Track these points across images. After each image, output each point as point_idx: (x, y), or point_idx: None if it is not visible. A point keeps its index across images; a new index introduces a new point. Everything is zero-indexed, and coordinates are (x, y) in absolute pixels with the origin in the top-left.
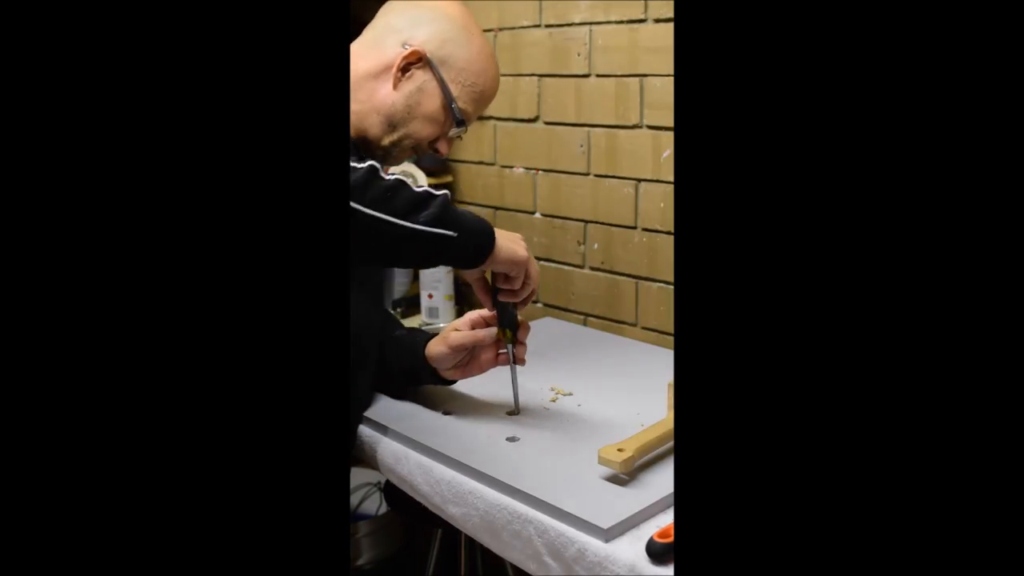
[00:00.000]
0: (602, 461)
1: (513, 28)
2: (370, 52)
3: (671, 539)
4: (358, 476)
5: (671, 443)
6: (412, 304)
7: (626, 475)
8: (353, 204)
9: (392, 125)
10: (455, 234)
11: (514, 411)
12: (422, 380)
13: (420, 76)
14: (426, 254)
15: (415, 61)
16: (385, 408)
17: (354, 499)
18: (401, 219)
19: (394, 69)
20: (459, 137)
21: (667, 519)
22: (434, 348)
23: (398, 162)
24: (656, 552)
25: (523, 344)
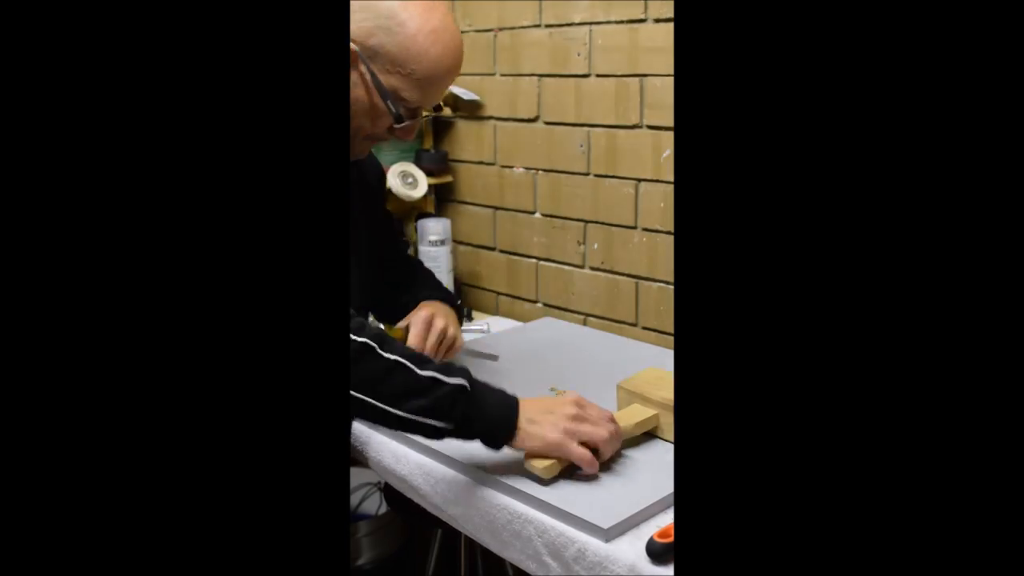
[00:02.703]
0: (529, 467)
1: (513, 28)
2: None
3: (671, 539)
4: (358, 476)
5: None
6: None
7: (546, 480)
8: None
9: None
10: (449, 426)
11: None
12: None
13: (353, 72)
14: (425, 435)
15: None
16: None
17: (354, 499)
18: (389, 406)
19: None
20: (415, 123)
21: (667, 519)
22: None
23: (362, 154)
24: (656, 552)
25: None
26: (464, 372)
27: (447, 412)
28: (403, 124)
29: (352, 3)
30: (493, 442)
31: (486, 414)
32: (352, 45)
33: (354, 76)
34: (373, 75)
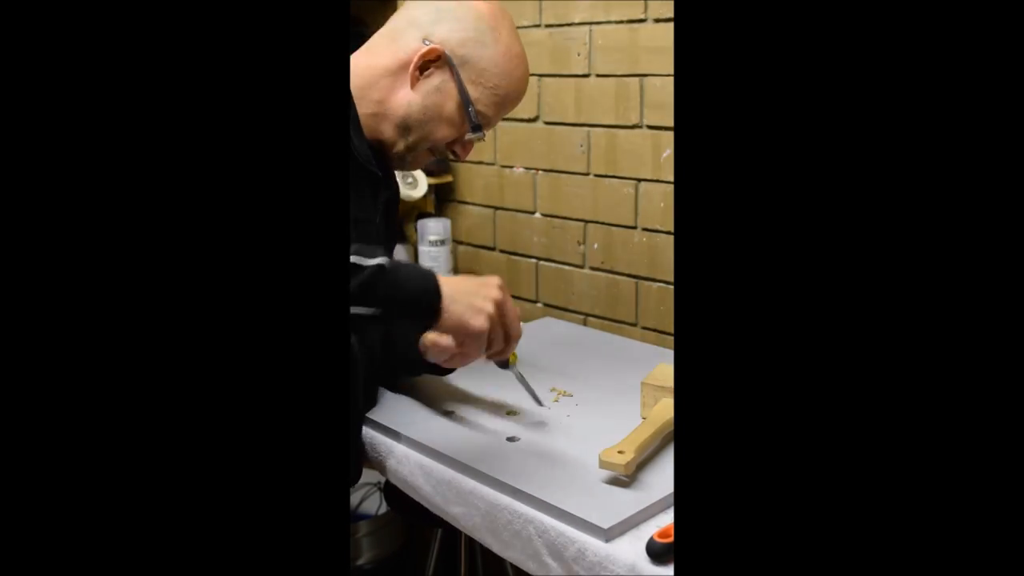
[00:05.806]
0: (604, 465)
1: None
2: (388, 47)
3: (671, 539)
4: None
5: (665, 438)
6: None
7: (627, 476)
8: None
9: (407, 128)
10: (375, 311)
11: (514, 411)
12: (421, 368)
13: (439, 76)
14: (359, 329)
15: (434, 59)
16: (386, 409)
17: (354, 499)
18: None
19: (411, 67)
20: (481, 139)
21: (667, 519)
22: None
23: (417, 166)
24: (656, 552)
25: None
26: (383, 252)
27: (368, 296)
28: (473, 136)
29: (452, 6)
30: (417, 322)
31: (407, 293)
32: (444, 48)
33: (438, 80)
34: (460, 82)
